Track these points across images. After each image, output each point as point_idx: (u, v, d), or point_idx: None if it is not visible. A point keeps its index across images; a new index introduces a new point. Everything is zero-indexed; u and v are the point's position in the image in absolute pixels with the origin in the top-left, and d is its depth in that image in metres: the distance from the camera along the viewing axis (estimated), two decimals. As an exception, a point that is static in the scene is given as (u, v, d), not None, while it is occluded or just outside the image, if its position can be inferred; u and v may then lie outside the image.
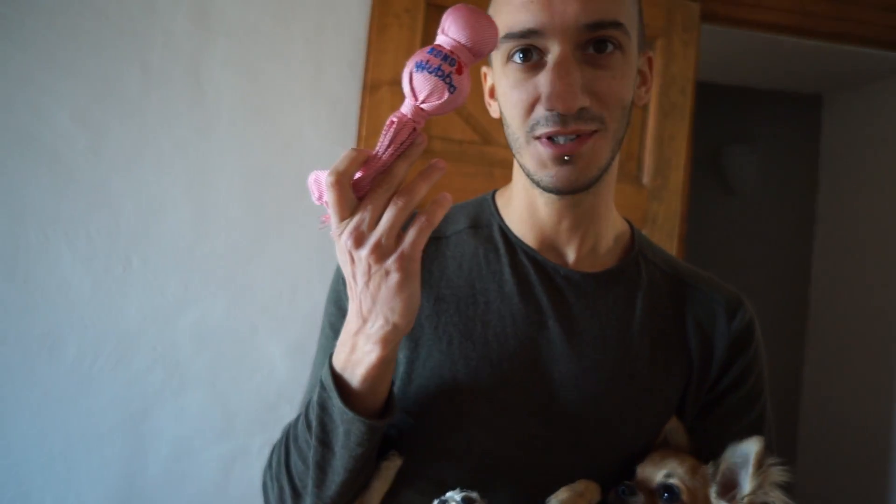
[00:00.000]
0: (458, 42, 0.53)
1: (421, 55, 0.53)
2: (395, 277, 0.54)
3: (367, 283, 0.55)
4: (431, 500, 0.64)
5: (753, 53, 2.36)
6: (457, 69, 0.52)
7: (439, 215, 0.55)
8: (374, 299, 0.56)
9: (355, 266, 0.55)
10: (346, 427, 0.61)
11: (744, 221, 3.05)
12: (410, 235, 0.54)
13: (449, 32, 0.53)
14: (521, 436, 0.68)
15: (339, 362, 0.61)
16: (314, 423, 0.63)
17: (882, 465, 2.37)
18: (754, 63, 2.51)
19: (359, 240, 0.54)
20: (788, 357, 2.91)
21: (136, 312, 1.49)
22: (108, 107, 1.48)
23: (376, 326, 0.57)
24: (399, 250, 0.54)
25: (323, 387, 0.62)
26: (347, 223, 0.54)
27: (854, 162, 2.76)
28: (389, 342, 0.58)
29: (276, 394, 1.57)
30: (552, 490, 0.66)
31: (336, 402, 0.60)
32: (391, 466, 0.66)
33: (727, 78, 2.78)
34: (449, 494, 0.63)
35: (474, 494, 0.63)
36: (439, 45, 0.53)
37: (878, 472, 2.38)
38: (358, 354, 0.59)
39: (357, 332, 0.59)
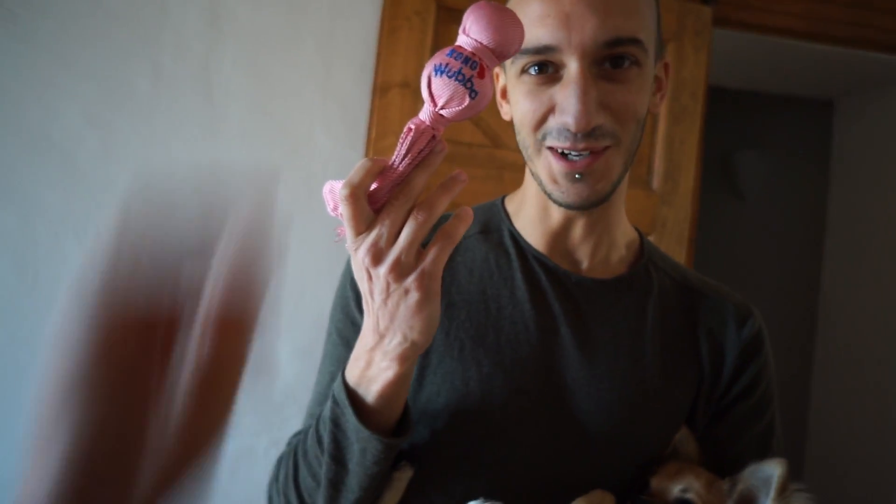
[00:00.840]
0: (481, 43, 0.49)
1: (440, 58, 0.49)
2: (414, 297, 0.52)
3: (384, 301, 0.53)
4: None
5: (765, 58, 2.34)
6: (478, 73, 0.49)
7: (461, 231, 0.52)
8: (392, 317, 0.54)
9: (372, 283, 0.53)
10: (361, 445, 0.59)
11: (753, 227, 3.03)
12: (432, 254, 0.52)
13: (470, 32, 0.50)
14: (534, 443, 0.68)
15: (352, 377, 0.60)
16: (326, 440, 0.61)
17: (892, 473, 2.34)
18: (766, 68, 2.49)
19: (377, 257, 0.51)
20: (797, 363, 2.88)
21: (144, 312, 1.49)
22: (118, 107, 1.49)
23: (394, 343, 0.55)
24: (419, 269, 0.52)
25: (336, 402, 0.60)
26: (364, 238, 0.51)
27: (865, 168, 2.74)
28: (407, 359, 0.56)
29: (283, 394, 1.57)
30: (566, 499, 0.65)
31: (351, 420, 0.59)
32: (402, 477, 0.65)
33: (738, 82, 2.76)
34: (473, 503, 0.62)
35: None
36: (460, 47, 0.50)
37: (888, 479, 2.36)
38: (374, 370, 0.58)
39: (373, 349, 0.57)
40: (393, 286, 0.52)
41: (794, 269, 2.97)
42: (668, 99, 1.72)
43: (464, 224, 0.53)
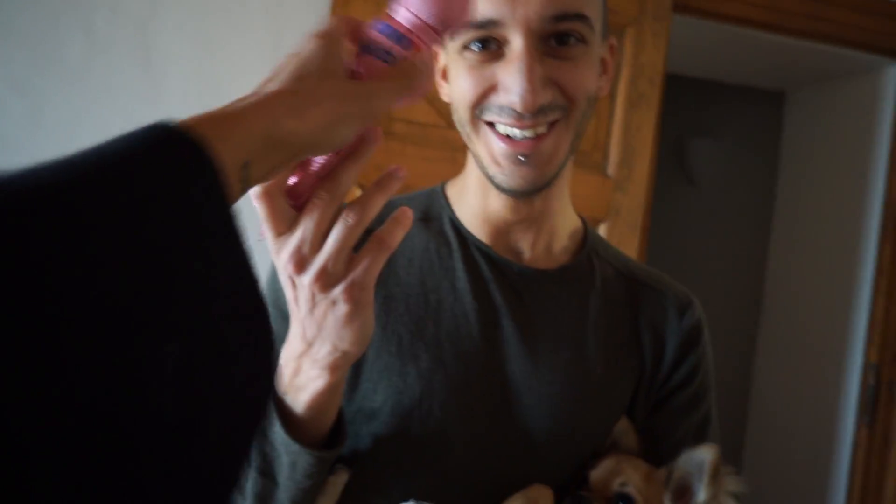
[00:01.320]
0: (420, 18, 0.43)
1: (369, 32, 0.43)
2: (343, 308, 0.47)
3: (311, 310, 0.48)
4: None
5: (721, 47, 2.35)
6: (412, 53, 0.43)
7: (398, 236, 0.47)
8: (319, 327, 0.49)
9: (297, 291, 0.48)
10: (291, 458, 0.55)
11: (704, 214, 3.08)
12: (363, 264, 0.47)
13: (409, 5, 0.43)
14: (474, 439, 0.65)
15: (279, 385, 0.55)
16: (252, 452, 0.57)
17: (827, 461, 2.43)
18: (721, 56, 2.51)
19: (300, 264, 0.46)
20: (741, 348, 2.96)
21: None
22: (47, 72, 1.39)
23: (323, 352, 0.50)
24: (349, 279, 0.46)
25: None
26: (285, 241, 0.46)
27: (813, 159, 2.80)
28: (339, 368, 0.52)
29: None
30: (505, 496, 0.63)
31: (279, 432, 0.54)
32: (337, 482, 0.61)
33: (692, 70, 2.78)
34: None
35: None
36: (394, 21, 0.43)
37: (823, 467, 2.45)
38: (302, 379, 0.53)
39: (301, 356, 0.52)
40: (319, 296, 0.47)
41: (742, 255, 3.03)
42: (626, 84, 1.71)
43: (401, 229, 0.48)
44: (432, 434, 0.64)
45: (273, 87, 0.39)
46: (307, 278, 0.46)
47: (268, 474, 0.57)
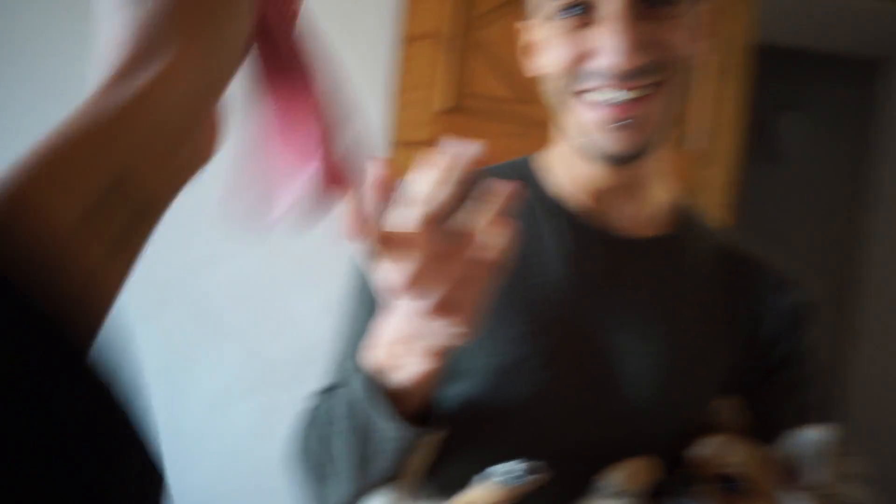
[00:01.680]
0: None
1: None
2: (456, 329, 0.46)
3: (416, 317, 0.47)
4: (475, 473, 0.59)
5: (811, 13, 2.22)
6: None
7: (504, 250, 0.46)
8: (424, 332, 0.48)
9: (395, 302, 0.47)
10: (396, 433, 0.55)
11: (792, 192, 2.93)
12: (473, 289, 0.45)
13: None
14: (568, 408, 0.64)
15: (376, 362, 0.55)
16: (357, 422, 0.57)
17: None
18: (811, 24, 2.37)
19: (415, 290, 0.44)
20: (830, 333, 2.82)
21: (170, 264, 1.49)
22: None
23: (426, 344, 0.50)
24: (465, 305, 0.45)
25: (359, 388, 0.56)
26: (390, 262, 0.43)
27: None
28: (442, 356, 0.51)
29: (312, 348, 1.55)
30: (599, 467, 0.62)
31: (381, 414, 0.55)
32: (431, 441, 0.61)
33: (779, 39, 2.64)
34: (510, 465, 0.57)
35: (538, 464, 0.57)
36: None
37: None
38: (399, 361, 0.53)
39: (401, 343, 0.52)
40: (433, 320, 0.46)
41: (834, 235, 2.88)
42: (710, 55, 1.64)
43: (508, 241, 0.47)
44: (526, 399, 0.64)
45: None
46: (423, 306, 0.45)
47: (366, 441, 0.57)
